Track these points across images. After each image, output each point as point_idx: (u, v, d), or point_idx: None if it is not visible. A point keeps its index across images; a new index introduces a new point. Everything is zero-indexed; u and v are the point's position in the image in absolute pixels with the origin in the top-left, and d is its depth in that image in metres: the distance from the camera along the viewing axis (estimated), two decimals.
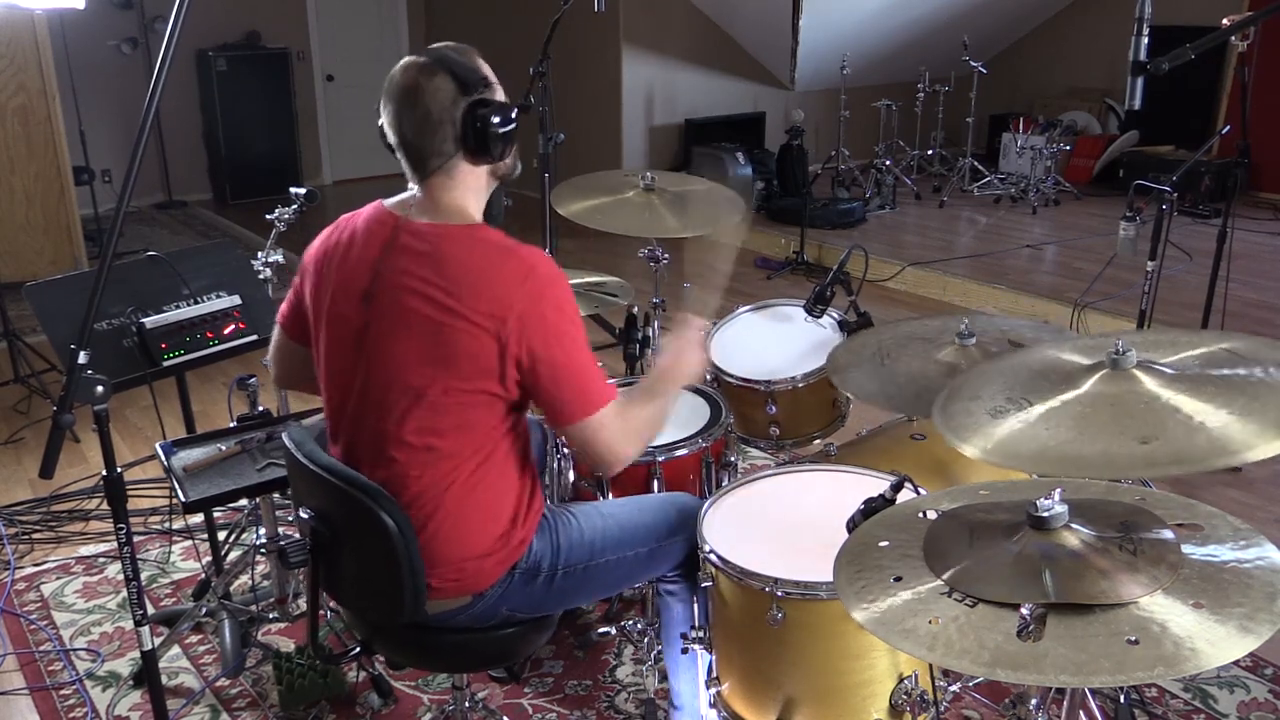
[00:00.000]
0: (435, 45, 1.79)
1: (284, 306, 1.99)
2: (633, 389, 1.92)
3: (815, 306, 2.61)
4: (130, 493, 2.02)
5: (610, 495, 2.27)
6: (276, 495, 2.59)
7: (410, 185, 1.82)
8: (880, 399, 2.03)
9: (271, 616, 2.82)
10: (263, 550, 2.88)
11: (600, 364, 1.82)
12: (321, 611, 2.75)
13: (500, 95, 1.78)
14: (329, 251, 1.86)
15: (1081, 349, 1.67)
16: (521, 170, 1.90)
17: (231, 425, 2.57)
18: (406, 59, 1.76)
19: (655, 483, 2.27)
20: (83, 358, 1.64)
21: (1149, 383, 1.48)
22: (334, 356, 1.84)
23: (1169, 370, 1.51)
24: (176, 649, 2.74)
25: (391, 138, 1.77)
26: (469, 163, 1.77)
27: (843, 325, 2.65)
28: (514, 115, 1.77)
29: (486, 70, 1.79)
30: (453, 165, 1.77)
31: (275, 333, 2.04)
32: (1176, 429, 1.40)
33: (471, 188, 1.81)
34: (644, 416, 1.86)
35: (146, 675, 1.96)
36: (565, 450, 2.37)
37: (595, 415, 1.75)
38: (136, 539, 3.26)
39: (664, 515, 2.01)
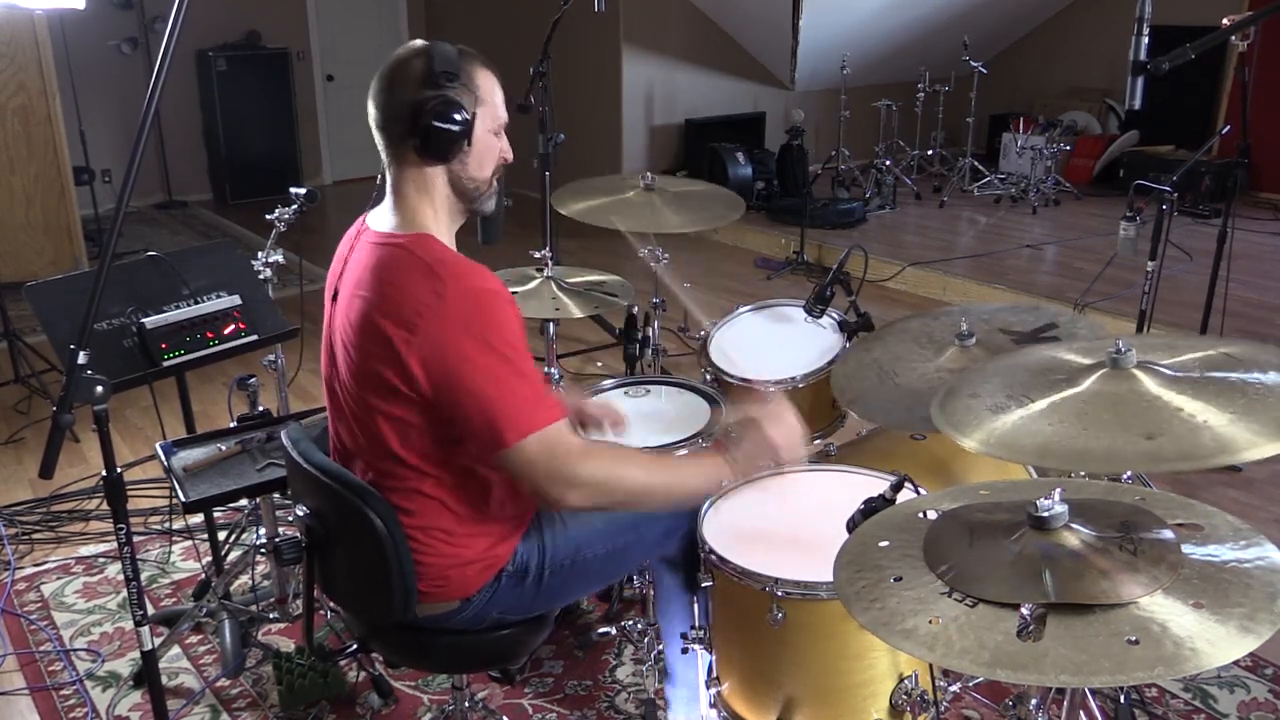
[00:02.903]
0: (458, 46, 1.76)
1: None
2: (671, 454, 1.72)
3: (815, 306, 2.61)
4: (130, 493, 2.02)
5: None
6: (276, 495, 2.59)
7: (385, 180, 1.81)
8: (906, 422, 1.98)
9: (272, 616, 2.82)
10: (263, 550, 2.88)
11: (546, 383, 1.71)
12: (321, 611, 2.77)
13: (465, 98, 1.69)
14: (333, 263, 1.88)
15: (1081, 349, 1.67)
16: (503, 205, 1.87)
17: (231, 425, 2.57)
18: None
19: None
20: (83, 358, 1.64)
21: (1149, 383, 1.48)
22: (324, 369, 1.85)
23: (1168, 371, 1.51)
24: (176, 649, 2.74)
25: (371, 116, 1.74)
26: (419, 159, 1.72)
27: (843, 325, 2.65)
28: (462, 116, 1.67)
29: (470, 76, 1.70)
30: (404, 156, 1.72)
31: None
32: (1180, 427, 1.40)
33: (425, 190, 1.74)
34: (635, 481, 1.69)
35: (146, 675, 1.96)
36: None
37: (512, 449, 1.60)
38: (136, 539, 3.25)
39: None
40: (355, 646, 1.97)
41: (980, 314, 2.17)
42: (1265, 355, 1.54)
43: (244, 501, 2.99)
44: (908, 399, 1.99)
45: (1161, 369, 1.52)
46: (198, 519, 3.14)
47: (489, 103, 1.75)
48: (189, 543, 3.26)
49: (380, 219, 1.78)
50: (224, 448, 2.45)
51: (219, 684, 2.60)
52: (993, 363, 1.74)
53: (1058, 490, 1.31)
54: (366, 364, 1.67)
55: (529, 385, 1.64)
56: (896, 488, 1.61)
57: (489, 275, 1.66)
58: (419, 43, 1.73)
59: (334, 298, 1.80)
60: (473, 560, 1.78)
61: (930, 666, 1.77)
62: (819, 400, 2.62)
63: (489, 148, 1.77)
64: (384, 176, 1.80)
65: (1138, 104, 2.77)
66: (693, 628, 2.02)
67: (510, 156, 1.83)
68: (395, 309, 1.62)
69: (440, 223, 1.77)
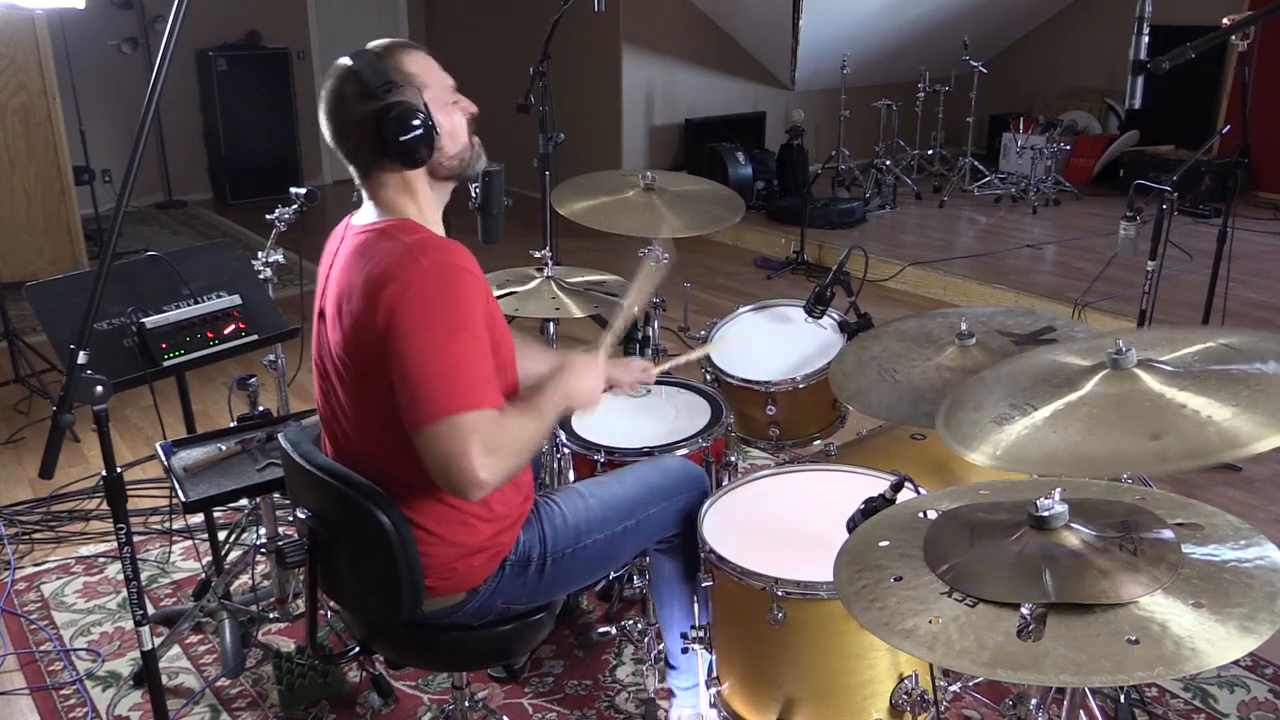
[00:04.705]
0: (374, 42, 1.75)
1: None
2: (514, 403, 1.72)
3: (815, 307, 2.61)
4: (130, 493, 2.02)
5: None
6: (277, 495, 2.59)
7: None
8: (910, 417, 1.97)
9: (272, 616, 2.82)
10: (263, 550, 2.88)
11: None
12: (322, 611, 2.77)
13: (412, 95, 1.69)
14: (321, 260, 1.89)
15: (1080, 351, 1.66)
16: (485, 165, 1.85)
17: (232, 425, 2.57)
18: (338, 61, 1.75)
19: None
20: (83, 358, 1.64)
21: (1151, 381, 1.48)
22: (315, 367, 1.86)
23: (1169, 368, 1.51)
24: (176, 649, 2.74)
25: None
26: (395, 167, 1.74)
27: (843, 326, 2.65)
28: (419, 118, 1.69)
29: (403, 70, 1.70)
30: (379, 169, 1.74)
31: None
32: (1185, 425, 1.39)
33: (406, 189, 1.77)
34: (516, 433, 1.65)
35: (146, 675, 1.96)
36: (565, 450, 2.37)
37: (447, 420, 1.56)
38: (136, 539, 3.25)
39: (646, 484, 2.01)
40: (358, 648, 1.97)
41: (977, 317, 2.17)
42: (1265, 344, 1.53)
43: (244, 501, 2.99)
44: (909, 394, 1.99)
45: (1162, 366, 1.51)
46: (198, 519, 3.14)
47: (432, 83, 1.75)
48: (189, 543, 3.26)
49: (360, 216, 1.81)
50: (224, 448, 2.45)
51: (219, 684, 2.60)
52: (994, 371, 1.73)
53: (1058, 490, 1.31)
54: (354, 336, 1.67)
55: (467, 367, 1.61)
56: (896, 488, 1.61)
57: (464, 253, 1.68)
58: (343, 63, 1.72)
59: (320, 314, 1.80)
60: (479, 549, 1.79)
61: (930, 666, 1.77)
62: (819, 400, 2.62)
63: (452, 119, 1.77)
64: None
65: (1138, 104, 2.77)
66: (693, 627, 2.02)
67: (474, 108, 1.82)
68: (373, 274, 1.63)
69: (425, 211, 1.79)
